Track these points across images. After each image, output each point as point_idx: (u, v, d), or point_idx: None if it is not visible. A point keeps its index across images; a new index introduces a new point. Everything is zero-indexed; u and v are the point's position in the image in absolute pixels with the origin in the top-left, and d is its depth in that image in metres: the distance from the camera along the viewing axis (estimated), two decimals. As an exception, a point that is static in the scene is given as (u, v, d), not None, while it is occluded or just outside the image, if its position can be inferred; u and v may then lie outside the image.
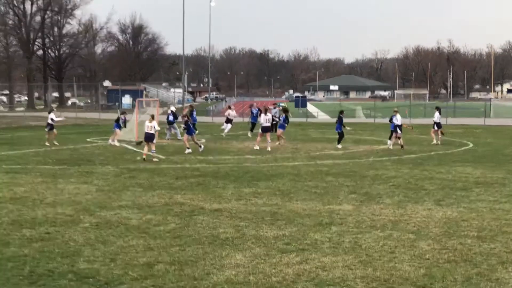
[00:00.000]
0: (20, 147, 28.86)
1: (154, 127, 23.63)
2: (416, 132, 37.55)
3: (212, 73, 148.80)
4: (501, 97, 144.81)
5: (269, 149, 26.95)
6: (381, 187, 16.98)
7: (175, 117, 33.60)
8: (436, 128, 30.94)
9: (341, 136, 28.92)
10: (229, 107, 42.78)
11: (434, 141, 30.55)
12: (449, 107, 66.22)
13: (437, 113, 30.82)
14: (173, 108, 35.09)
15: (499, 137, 36.80)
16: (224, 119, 39.80)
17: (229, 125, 37.79)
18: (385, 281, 8.81)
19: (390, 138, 28.78)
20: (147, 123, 23.95)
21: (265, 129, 28.14)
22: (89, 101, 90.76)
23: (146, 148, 23.68)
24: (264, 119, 28.38)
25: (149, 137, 23.47)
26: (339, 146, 28.55)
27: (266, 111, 29.17)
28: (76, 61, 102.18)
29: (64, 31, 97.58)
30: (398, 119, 28.49)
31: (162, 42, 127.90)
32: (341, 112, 30.47)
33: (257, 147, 27.74)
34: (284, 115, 31.06)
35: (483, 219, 12.81)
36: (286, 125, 31.02)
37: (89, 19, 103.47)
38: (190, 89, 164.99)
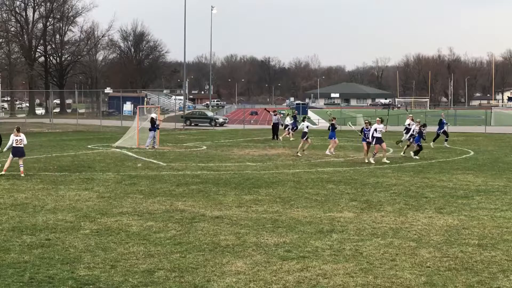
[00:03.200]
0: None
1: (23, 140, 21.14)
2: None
3: (213, 80, 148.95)
4: (502, 105, 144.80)
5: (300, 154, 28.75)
6: (382, 195, 16.96)
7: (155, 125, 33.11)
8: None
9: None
10: (274, 112, 45.12)
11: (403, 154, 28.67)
12: (450, 115, 66.19)
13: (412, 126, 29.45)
14: (154, 115, 34.34)
15: (500, 145, 36.79)
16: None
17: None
18: (386, 289, 8.79)
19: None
20: (13, 136, 20.95)
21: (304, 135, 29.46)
22: (90, 110, 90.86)
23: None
24: (304, 126, 29.74)
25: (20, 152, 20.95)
26: (328, 152, 29.11)
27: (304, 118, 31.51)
28: (78, 68, 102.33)
29: (66, 38, 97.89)
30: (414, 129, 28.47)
31: (163, 49, 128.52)
32: (333, 119, 30.68)
33: (331, 152, 29.27)
34: (293, 121, 31.91)
35: (484, 227, 12.79)
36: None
37: (91, 26, 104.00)
38: (191, 96, 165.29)
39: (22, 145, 21.01)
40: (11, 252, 10.71)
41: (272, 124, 44.02)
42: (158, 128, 33.25)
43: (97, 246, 11.17)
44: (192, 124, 64.52)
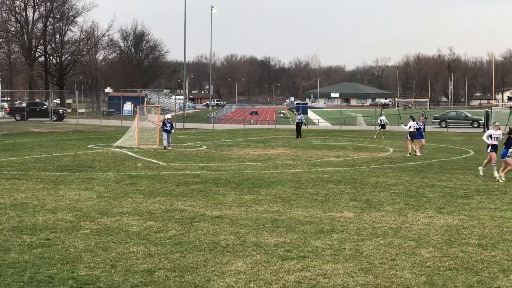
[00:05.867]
0: (21, 153, 28.88)
1: None
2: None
3: (213, 80, 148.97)
4: (502, 104, 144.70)
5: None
6: (382, 195, 16.96)
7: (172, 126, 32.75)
8: (410, 138, 28.73)
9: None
10: (298, 112, 46.90)
11: (411, 153, 28.49)
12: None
13: (411, 122, 29.04)
14: (169, 116, 34.11)
15: (500, 145, 36.72)
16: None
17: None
18: (386, 288, 8.80)
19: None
20: None
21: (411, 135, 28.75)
22: (90, 110, 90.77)
23: None
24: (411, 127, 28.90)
25: None
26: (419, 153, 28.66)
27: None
28: (78, 68, 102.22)
29: (66, 38, 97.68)
30: (412, 125, 28.66)
31: (163, 49, 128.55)
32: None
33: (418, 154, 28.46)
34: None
35: (484, 227, 12.80)
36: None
37: (90, 26, 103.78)
38: (191, 96, 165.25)
39: None
40: (11, 252, 10.71)
41: (296, 123, 44.87)
42: (167, 129, 32.40)
43: (97, 246, 11.18)
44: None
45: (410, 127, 28.78)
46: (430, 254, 10.60)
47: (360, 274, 9.47)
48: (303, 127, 44.30)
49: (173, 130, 32.84)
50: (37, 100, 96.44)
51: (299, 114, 45.65)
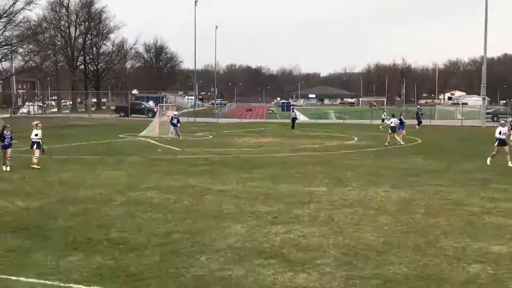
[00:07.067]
0: (66, 141, 28.73)
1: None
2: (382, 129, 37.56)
3: (217, 84, 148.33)
4: (443, 103, 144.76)
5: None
6: (349, 174, 16.95)
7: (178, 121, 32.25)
8: (391, 131, 27.97)
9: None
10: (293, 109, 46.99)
11: (400, 141, 27.83)
12: (403, 111, 65.99)
13: (393, 119, 28.69)
14: (176, 112, 33.63)
15: (442, 135, 36.84)
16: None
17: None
18: (353, 247, 8.79)
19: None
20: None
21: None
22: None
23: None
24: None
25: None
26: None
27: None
28: (110, 74, 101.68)
29: (101, 51, 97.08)
30: (393, 121, 27.96)
31: (178, 59, 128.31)
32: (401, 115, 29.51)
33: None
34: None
35: (430, 199, 12.82)
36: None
37: (120, 41, 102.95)
38: (200, 97, 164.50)
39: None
40: (58, 219, 10.68)
41: (291, 118, 45.17)
42: (173, 123, 32.10)
43: (126, 214, 11.14)
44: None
45: (392, 122, 28.10)
46: (387, 221, 10.61)
47: (332, 236, 9.47)
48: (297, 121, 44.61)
49: (179, 124, 32.23)
50: (78, 100, 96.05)
51: (293, 111, 46.19)
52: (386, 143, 27.55)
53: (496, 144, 19.17)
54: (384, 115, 44.93)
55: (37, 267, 7.74)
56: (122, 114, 63.70)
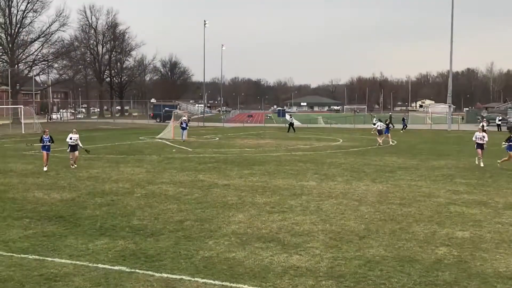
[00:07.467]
0: (94, 143, 28.70)
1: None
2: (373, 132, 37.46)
3: (223, 94, 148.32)
4: (416, 110, 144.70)
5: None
6: (335, 170, 16.94)
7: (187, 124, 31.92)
8: (378, 133, 28.36)
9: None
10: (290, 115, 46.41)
11: (380, 142, 27.58)
12: (382, 117, 66.00)
13: (379, 123, 28.93)
14: (185, 118, 33.34)
15: (414, 137, 36.78)
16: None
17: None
18: (338, 233, 8.79)
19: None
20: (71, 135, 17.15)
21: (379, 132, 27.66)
22: (141, 113, 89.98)
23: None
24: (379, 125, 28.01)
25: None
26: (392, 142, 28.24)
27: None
28: (132, 86, 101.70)
29: (124, 65, 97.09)
30: (379, 125, 28.10)
31: (190, 73, 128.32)
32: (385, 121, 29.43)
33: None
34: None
35: (403, 192, 12.80)
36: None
37: (141, 57, 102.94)
38: (208, 104, 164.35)
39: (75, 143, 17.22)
40: (87, 209, 10.67)
41: (289, 123, 44.51)
42: (183, 127, 31.97)
43: (145, 204, 11.13)
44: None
45: (378, 125, 28.23)
46: (367, 210, 10.60)
47: (320, 223, 9.46)
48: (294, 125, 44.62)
49: (187, 128, 31.84)
50: (105, 107, 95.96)
51: (291, 117, 46.29)
52: (379, 144, 27.27)
53: (475, 147, 18.05)
54: (375, 120, 44.25)
55: (69, 250, 7.73)
56: (158, 120, 63.49)
